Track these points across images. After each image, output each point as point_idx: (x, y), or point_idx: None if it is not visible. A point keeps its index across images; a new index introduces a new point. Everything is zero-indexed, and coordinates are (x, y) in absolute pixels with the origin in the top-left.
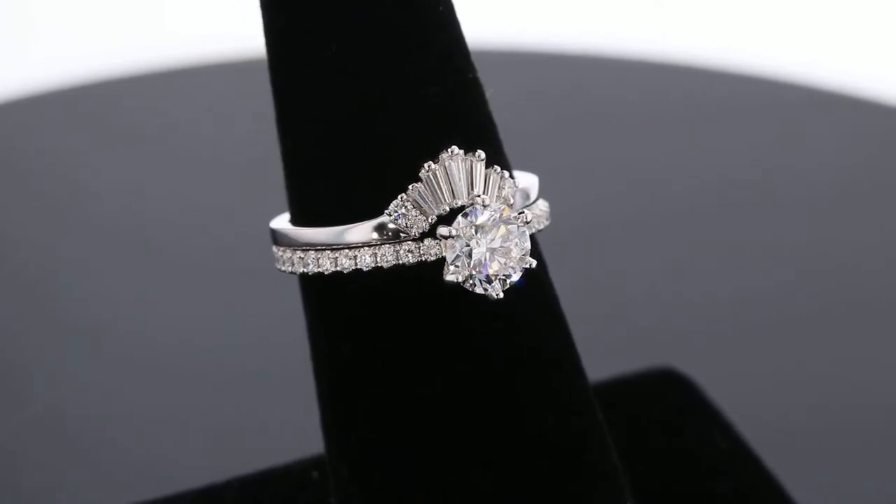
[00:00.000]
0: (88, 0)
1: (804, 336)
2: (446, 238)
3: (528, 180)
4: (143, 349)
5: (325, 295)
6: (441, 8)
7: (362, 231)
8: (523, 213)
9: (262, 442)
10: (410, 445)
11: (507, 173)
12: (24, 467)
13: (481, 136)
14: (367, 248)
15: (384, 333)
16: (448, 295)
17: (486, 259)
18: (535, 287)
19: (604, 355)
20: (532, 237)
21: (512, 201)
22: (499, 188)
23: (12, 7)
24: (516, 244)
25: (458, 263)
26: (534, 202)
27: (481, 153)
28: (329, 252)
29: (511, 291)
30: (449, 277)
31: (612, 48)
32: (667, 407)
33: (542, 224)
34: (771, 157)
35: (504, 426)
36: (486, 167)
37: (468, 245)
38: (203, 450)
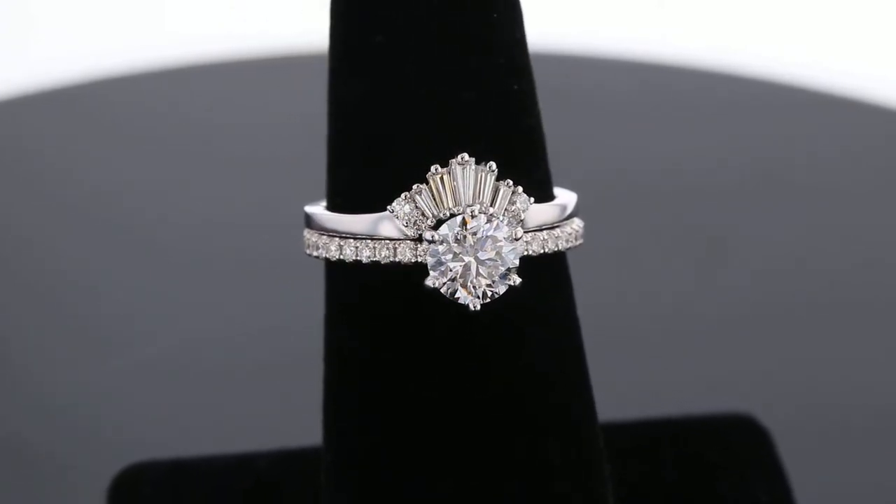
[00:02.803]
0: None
1: (807, 338)
2: (430, 242)
3: (565, 197)
4: (156, 345)
5: (335, 284)
6: (496, 15)
7: (369, 223)
8: (517, 229)
9: (289, 429)
10: (388, 443)
11: (520, 188)
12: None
13: (509, 149)
14: (369, 241)
15: (379, 329)
16: (443, 299)
17: (472, 270)
18: (542, 302)
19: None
20: (560, 254)
21: (522, 217)
22: (509, 202)
23: (13, 6)
24: (504, 260)
25: (441, 270)
26: (566, 219)
27: (492, 164)
28: (338, 239)
29: (511, 306)
30: (427, 282)
31: (612, 48)
32: (726, 453)
33: (571, 243)
34: (772, 158)
35: (481, 438)
36: (498, 180)
37: (453, 253)
38: (228, 439)
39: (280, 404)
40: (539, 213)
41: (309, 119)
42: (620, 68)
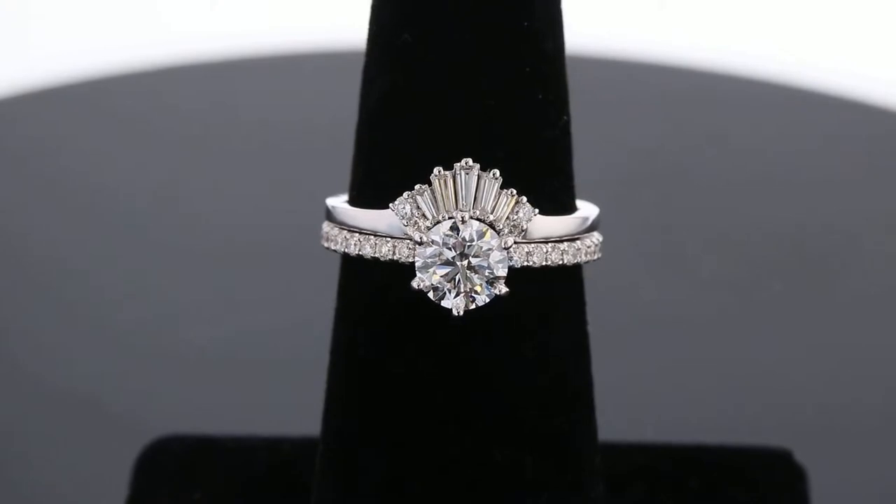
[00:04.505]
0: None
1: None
2: (419, 244)
3: (584, 211)
4: (166, 342)
5: (341, 279)
6: (526, 24)
7: (375, 219)
8: (508, 238)
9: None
10: (386, 442)
11: (524, 198)
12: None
13: (523, 158)
14: (371, 237)
15: (379, 328)
16: (430, 301)
17: (459, 275)
18: (544, 314)
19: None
20: (568, 267)
21: (525, 227)
22: (512, 211)
23: (13, 5)
24: (492, 268)
25: (428, 272)
26: (583, 233)
27: (496, 171)
28: (346, 232)
29: (509, 314)
30: (413, 283)
31: (612, 48)
32: (753, 489)
33: (580, 258)
34: (772, 158)
35: (474, 442)
36: (504, 188)
37: (442, 255)
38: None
39: (305, 395)
40: (546, 224)
41: (309, 117)
42: (620, 68)
